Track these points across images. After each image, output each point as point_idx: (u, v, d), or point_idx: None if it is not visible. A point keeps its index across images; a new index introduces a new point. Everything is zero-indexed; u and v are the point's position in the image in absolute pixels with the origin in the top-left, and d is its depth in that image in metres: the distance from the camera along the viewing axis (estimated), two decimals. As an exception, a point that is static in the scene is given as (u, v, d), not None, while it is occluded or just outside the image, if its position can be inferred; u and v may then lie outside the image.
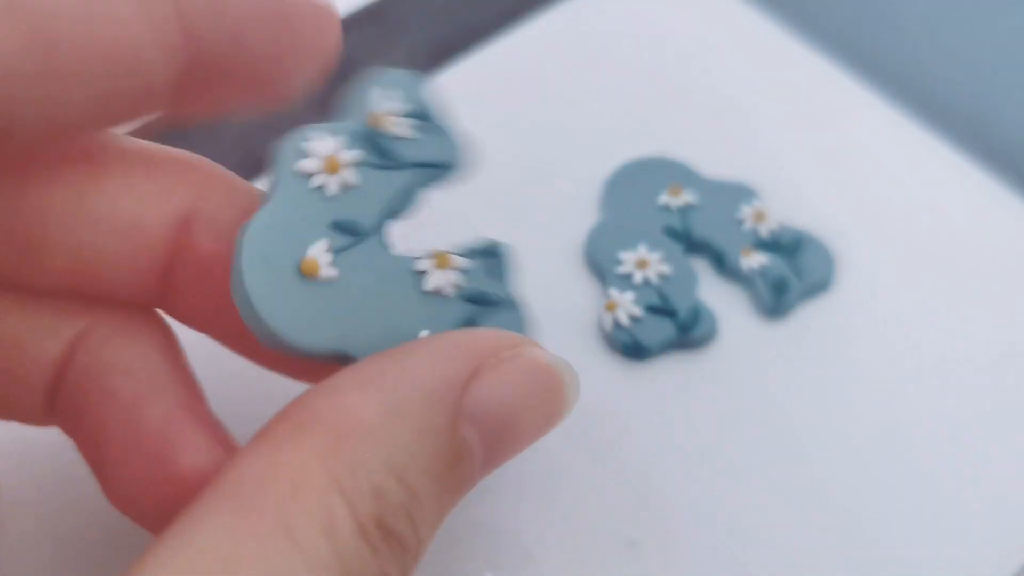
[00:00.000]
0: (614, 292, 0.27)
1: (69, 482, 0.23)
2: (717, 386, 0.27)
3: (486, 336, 0.18)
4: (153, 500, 0.18)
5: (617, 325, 0.27)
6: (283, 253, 0.18)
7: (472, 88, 0.31)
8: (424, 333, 0.19)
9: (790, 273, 0.28)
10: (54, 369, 0.20)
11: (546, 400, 0.18)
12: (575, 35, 0.33)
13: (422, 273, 0.19)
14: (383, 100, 0.19)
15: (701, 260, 0.29)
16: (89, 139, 0.19)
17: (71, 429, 0.20)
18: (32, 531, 0.23)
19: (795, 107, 0.32)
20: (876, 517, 0.25)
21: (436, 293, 0.19)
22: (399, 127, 0.19)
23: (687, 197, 0.29)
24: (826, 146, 0.31)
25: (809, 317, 0.28)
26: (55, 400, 0.20)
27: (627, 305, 0.27)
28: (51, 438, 0.21)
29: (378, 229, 0.19)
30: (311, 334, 0.18)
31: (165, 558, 0.15)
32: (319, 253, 0.18)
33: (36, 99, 0.16)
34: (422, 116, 0.20)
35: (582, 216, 0.29)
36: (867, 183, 0.30)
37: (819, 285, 0.28)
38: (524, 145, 0.30)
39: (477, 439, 0.17)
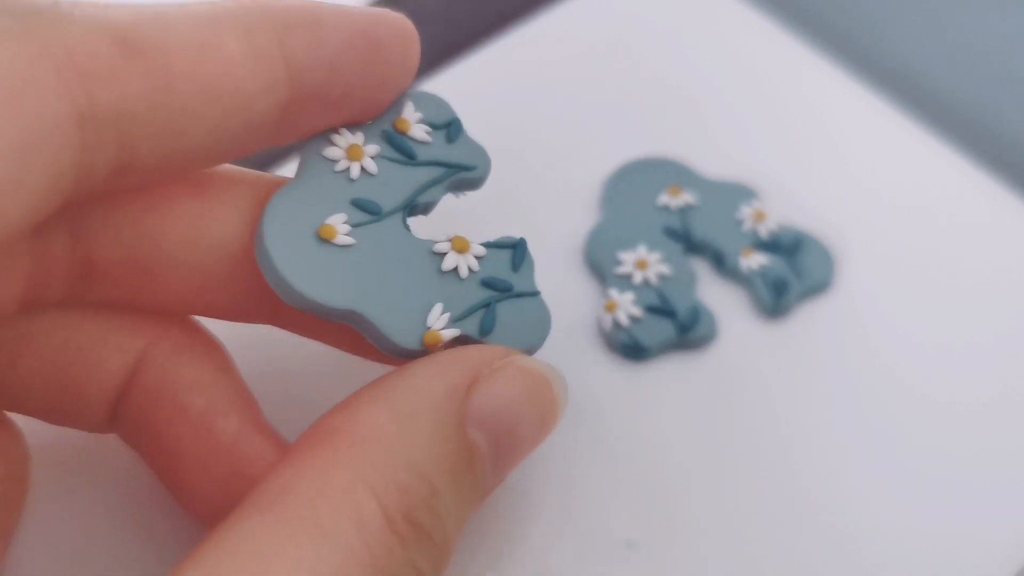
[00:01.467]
0: (614, 292, 0.27)
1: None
2: (717, 386, 0.27)
3: (478, 349, 0.19)
4: (230, 507, 0.19)
5: (617, 325, 0.27)
6: (303, 219, 0.20)
7: (472, 88, 0.31)
8: (438, 306, 0.20)
9: (790, 273, 0.28)
10: (119, 383, 0.21)
11: (539, 402, 0.20)
12: (575, 35, 0.33)
13: (441, 255, 0.21)
14: (411, 111, 0.21)
15: (701, 260, 0.29)
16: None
17: (136, 441, 0.22)
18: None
19: (795, 107, 0.32)
20: (876, 517, 0.25)
21: (452, 273, 0.21)
22: (420, 131, 0.21)
23: (687, 197, 0.29)
24: (826, 146, 0.31)
25: (808, 317, 0.28)
26: (118, 413, 0.21)
27: (627, 305, 0.27)
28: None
29: (399, 214, 0.21)
30: (326, 290, 0.19)
31: (202, 558, 0.16)
32: (337, 222, 0.20)
33: (155, 135, 0.18)
34: (445, 127, 0.22)
35: (582, 216, 0.29)
36: (867, 183, 0.30)
37: (818, 285, 0.28)
38: (524, 145, 0.30)
39: (484, 441, 0.19)
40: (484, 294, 0.21)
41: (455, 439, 0.18)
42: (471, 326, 0.20)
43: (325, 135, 0.21)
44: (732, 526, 0.24)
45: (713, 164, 0.30)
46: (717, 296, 0.28)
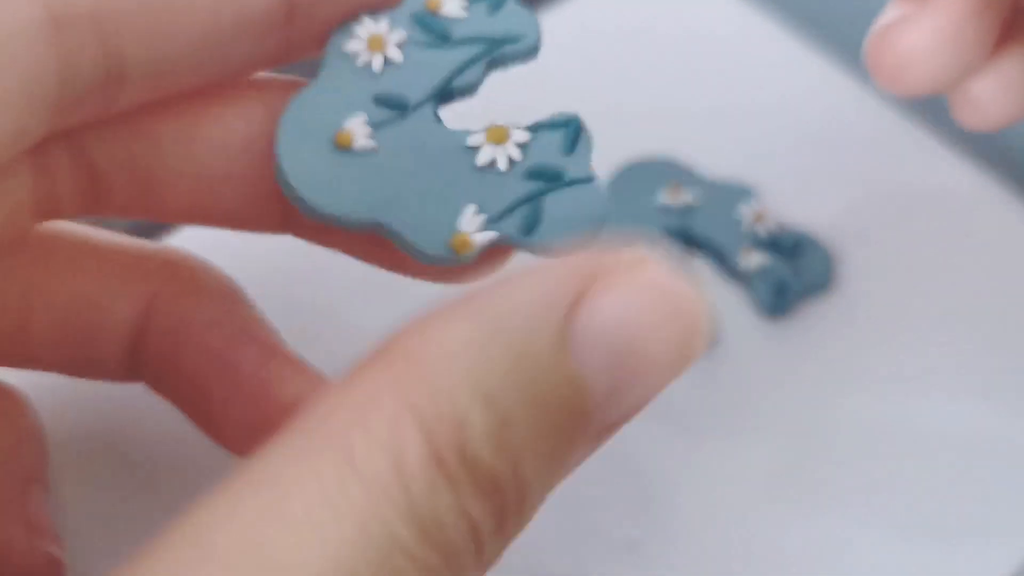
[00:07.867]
0: (614, 292, 0.27)
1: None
2: (717, 386, 0.27)
3: (598, 256, 0.16)
4: (264, 436, 0.18)
5: (617, 325, 0.27)
6: (320, 126, 0.18)
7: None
8: (471, 207, 0.18)
9: (790, 273, 0.28)
10: (131, 329, 0.21)
11: (676, 325, 0.15)
12: (574, 35, 0.33)
13: (476, 149, 0.19)
14: None
15: (701, 260, 0.29)
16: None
17: (161, 386, 0.21)
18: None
19: (795, 107, 0.32)
20: (876, 517, 0.25)
21: (490, 168, 0.19)
22: (454, 7, 0.19)
23: (687, 197, 0.29)
24: (826, 146, 0.31)
25: (808, 318, 0.28)
26: (138, 360, 0.21)
27: (627, 305, 0.27)
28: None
29: (428, 105, 0.19)
30: (344, 203, 0.18)
31: (225, 489, 0.14)
32: (355, 125, 0.18)
33: (143, 36, 0.17)
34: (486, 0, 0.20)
35: (582, 216, 0.29)
36: (867, 184, 0.30)
37: (818, 286, 0.28)
38: (524, 145, 0.30)
39: (594, 369, 0.15)
40: (528, 187, 0.18)
41: (548, 363, 0.15)
42: (511, 226, 0.18)
43: (346, 27, 0.19)
44: (733, 525, 0.24)
45: (713, 164, 0.30)
46: (717, 296, 0.28)
